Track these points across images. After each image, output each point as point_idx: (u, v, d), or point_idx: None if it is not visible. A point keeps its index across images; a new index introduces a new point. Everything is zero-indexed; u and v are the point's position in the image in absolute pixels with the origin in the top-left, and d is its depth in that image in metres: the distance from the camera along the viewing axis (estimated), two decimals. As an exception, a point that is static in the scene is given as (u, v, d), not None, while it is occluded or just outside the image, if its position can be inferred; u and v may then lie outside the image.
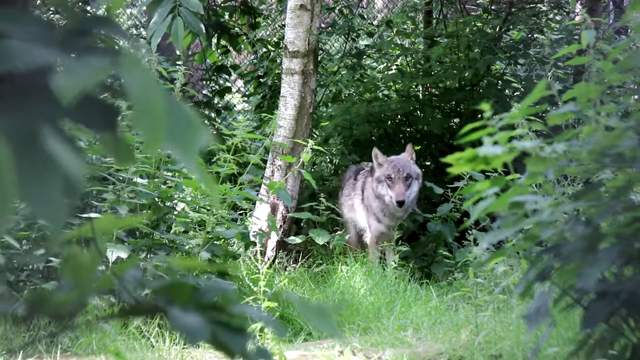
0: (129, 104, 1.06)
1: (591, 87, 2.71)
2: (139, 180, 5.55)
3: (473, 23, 8.96)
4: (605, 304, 2.34)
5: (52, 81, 1.01)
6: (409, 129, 9.08)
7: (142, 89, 1.03)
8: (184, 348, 4.54)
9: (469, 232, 6.43)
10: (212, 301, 1.27)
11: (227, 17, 10.21)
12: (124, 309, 1.29)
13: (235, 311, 1.27)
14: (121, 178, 5.42)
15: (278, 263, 6.94)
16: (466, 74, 8.59)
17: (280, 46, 8.99)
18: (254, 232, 6.69)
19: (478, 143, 2.45)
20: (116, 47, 1.13)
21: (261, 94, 9.91)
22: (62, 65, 1.04)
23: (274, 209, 7.25)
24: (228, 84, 11.16)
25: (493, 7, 9.28)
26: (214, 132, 9.08)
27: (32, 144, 1.03)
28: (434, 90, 9.25)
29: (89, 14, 1.15)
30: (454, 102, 9.02)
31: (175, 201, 5.81)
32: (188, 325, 1.20)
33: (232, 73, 10.88)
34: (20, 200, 1.01)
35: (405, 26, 9.47)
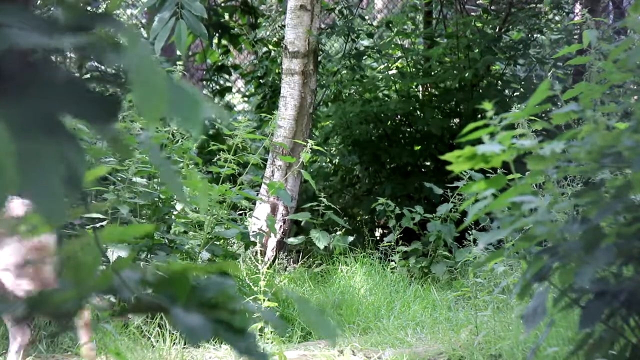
0: (130, 81, 1.05)
1: (592, 86, 2.72)
2: (139, 180, 5.55)
3: (473, 23, 8.96)
4: (603, 303, 2.34)
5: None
6: (408, 129, 9.08)
7: (141, 62, 1.02)
8: (184, 348, 4.54)
9: (469, 232, 6.43)
10: (212, 299, 1.26)
11: (227, 17, 10.23)
12: (124, 307, 1.28)
13: (236, 308, 1.26)
14: (121, 178, 5.42)
15: (278, 263, 6.94)
16: (466, 75, 8.59)
17: (281, 46, 9.00)
18: (253, 232, 6.70)
19: (478, 143, 2.45)
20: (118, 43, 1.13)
21: (261, 94, 9.92)
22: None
23: (274, 209, 7.25)
24: (228, 84, 11.16)
25: (493, 8, 9.29)
26: (214, 132, 9.09)
27: (33, 134, 1.02)
28: (433, 90, 9.25)
29: (89, 11, 1.15)
30: (453, 103, 9.02)
31: (175, 202, 5.81)
32: (191, 325, 1.19)
33: (233, 73, 10.89)
34: (20, 190, 1.00)
35: (405, 26, 9.47)
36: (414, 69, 9.22)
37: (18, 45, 1.01)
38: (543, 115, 7.37)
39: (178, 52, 10.22)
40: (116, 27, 1.09)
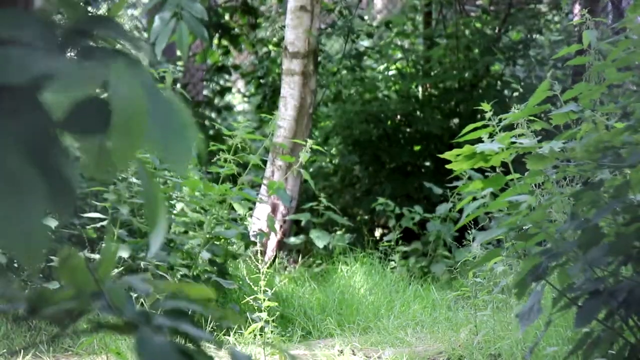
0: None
1: (592, 87, 2.73)
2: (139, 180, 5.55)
3: (472, 24, 8.98)
4: (599, 302, 2.35)
5: (43, 96, 0.95)
6: (408, 129, 9.10)
7: (125, 101, 0.97)
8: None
9: (469, 232, 6.44)
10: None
11: (227, 17, 10.24)
12: (99, 323, 1.20)
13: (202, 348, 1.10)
14: (121, 178, 5.43)
15: (278, 263, 6.95)
16: (466, 75, 8.61)
17: (281, 46, 9.01)
18: (253, 232, 6.71)
19: (477, 143, 2.46)
20: (117, 47, 1.12)
21: (261, 95, 9.94)
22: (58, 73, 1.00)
23: (274, 209, 7.26)
24: (228, 84, 11.18)
25: (492, 8, 9.30)
26: (214, 133, 9.10)
27: (12, 162, 0.95)
28: (433, 90, 9.27)
29: (90, 14, 1.13)
30: (453, 103, 9.04)
31: (175, 201, 5.82)
32: (151, 349, 1.02)
33: (233, 73, 10.90)
34: None
35: (405, 27, 9.49)
36: (413, 70, 9.24)
37: (16, 82, 0.97)
38: (542, 115, 7.38)
39: (178, 53, 10.24)
40: (118, 33, 1.07)
